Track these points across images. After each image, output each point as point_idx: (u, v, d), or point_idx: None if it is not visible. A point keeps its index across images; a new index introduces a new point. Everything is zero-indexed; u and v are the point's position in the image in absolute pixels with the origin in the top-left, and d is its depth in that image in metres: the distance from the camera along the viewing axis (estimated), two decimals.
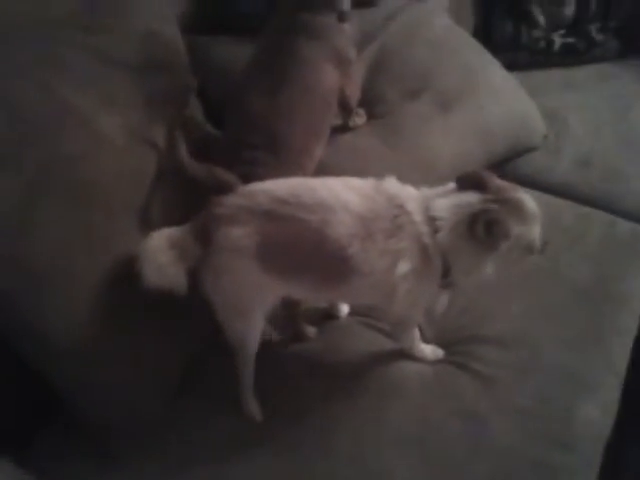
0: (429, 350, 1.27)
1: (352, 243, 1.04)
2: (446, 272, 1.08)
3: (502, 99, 1.75)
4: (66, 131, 1.12)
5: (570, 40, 2.20)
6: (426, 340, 1.31)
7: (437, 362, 1.27)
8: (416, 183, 1.42)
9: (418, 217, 1.06)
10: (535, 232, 1.09)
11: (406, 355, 1.27)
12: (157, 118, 1.25)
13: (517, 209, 1.06)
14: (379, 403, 1.21)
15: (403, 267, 1.06)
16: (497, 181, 1.09)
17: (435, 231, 1.05)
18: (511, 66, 1.94)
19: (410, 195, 1.10)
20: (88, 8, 1.28)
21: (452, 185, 1.11)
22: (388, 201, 1.08)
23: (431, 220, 1.06)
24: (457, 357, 1.28)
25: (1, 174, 1.03)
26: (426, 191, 1.11)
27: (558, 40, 2.20)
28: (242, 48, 1.45)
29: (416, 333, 1.25)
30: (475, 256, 1.07)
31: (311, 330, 1.33)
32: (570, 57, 2.20)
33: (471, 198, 1.06)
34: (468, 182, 1.08)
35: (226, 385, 1.21)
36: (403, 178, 1.47)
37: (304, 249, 1.06)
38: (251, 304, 1.13)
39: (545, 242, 1.13)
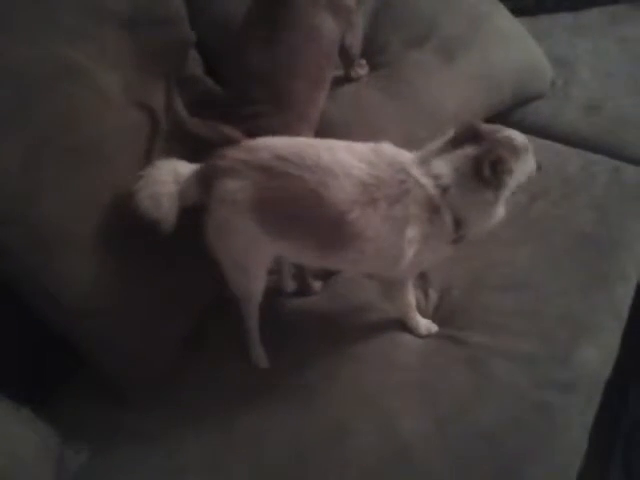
0: (423, 322, 1.27)
1: (352, 209, 1.04)
2: (458, 227, 1.09)
3: (508, 46, 1.71)
4: (65, 89, 1.12)
5: None
6: (423, 312, 1.31)
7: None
8: (420, 133, 1.42)
9: (424, 180, 1.06)
10: (530, 160, 1.14)
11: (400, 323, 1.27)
12: (155, 73, 1.25)
13: (510, 146, 1.09)
14: (382, 352, 1.24)
15: (412, 232, 1.06)
16: (484, 126, 1.10)
17: (444, 190, 1.06)
18: (518, 11, 1.89)
19: (410, 158, 1.09)
20: None
21: (439, 142, 1.11)
22: (390, 166, 1.07)
23: (437, 180, 1.06)
24: (451, 330, 1.27)
25: (4, 136, 1.04)
26: (420, 153, 1.10)
27: None
28: (240, 1, 1.42)
29: (411, 300, 1.25)
30: (486, 202, 1.08)
31: (317, 284, 1.35)
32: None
33: (467, 150, 1.07)
34: (462, 137, 1.08)
35: (235, 336, 1.25)
36: (407, 129, 1.48)
37: (301, 209, 1.06)
38: (249, 258, 1.14)
39: (539, 164, 1.17)
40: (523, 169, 1.11)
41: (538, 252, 1.39)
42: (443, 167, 1.06)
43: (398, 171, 1.07)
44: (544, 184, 1.53)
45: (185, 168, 1.12)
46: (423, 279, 1.34)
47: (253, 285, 1.18)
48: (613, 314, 1.30)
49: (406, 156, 1.10)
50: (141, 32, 1.28)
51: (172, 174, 1.10)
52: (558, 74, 1.83)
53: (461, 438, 1.09)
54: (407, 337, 1.26)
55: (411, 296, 1.24)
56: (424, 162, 1.08)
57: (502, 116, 1.68)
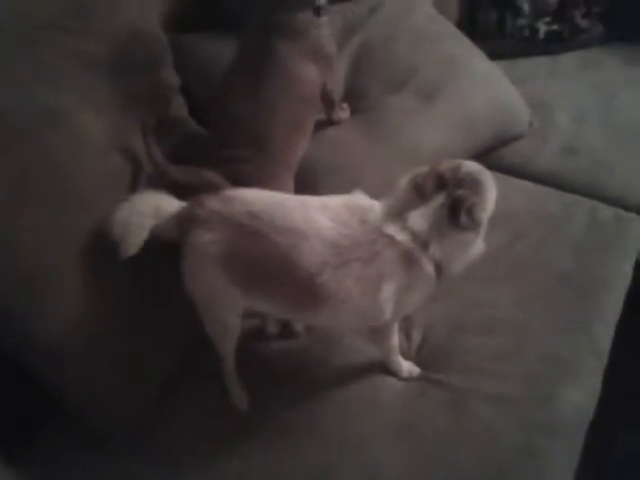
0: (405, 365, 1.26)
1: (323, 271, 1.03)
2: (439, 271, 1.09)
3: (486, 89, 1.76)
4: (48, 134, 1.13)
5: (554, 27, 2.20)
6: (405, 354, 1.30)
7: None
8: (400, 176, 1.44)
9: (400, 236, 1.06)
10: (491, 183, 1.12)
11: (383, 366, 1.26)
12: (139, 117, 1.26)
13: (474, 182, 1.08)
14: (365, 395, 1.23)
15: (388, 289, 1.06)
16: (443, 166, 1.09)
17: (423, 246, 1.06)
18: (495, 55, 1.95)
19: (382, 213, 1.08)
20: (69, 10, 1.29)
21: (404, 189, 1.10)
22: (363, 224, 1.06)
23: (415, 236, 1.05)
24: (433, 373, 1.26)
25: None
26: (390, 204, 1.09)
27: (543, 27, 2.20)
28: (226, 45, 1.46)
29: (395, 343, 1.24)
30: (467, 243, 1.09)
31: (300, 327, 1.35)
32: (555, 44, 2.20)
33: (437, 201, 1.06)
34: (427, 184, 1.07)
35: (216, 377, 1.24)
36: (387, 171, 1.50)
37: (270, 270, 1.06)
38: (220, 307, 1.14)
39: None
40: (492, 196, 1.11)
41: (519, 293, 1.39)
42: (420, 223, 1.05)
43: (370, 230, 1.06)
44: (524, 225, 1.56)
45: (169, 204, 1.13)
46: (406, 320, 1.34)
47: (225, 331, 1.18)
48: (594, 354, 1.30)
49: (378, 210, 1.09)
50: (125, 77, 1.31)
51: (153, 208, 1.11)
52: (535, 116, 1.87)
53: None
54: (390, 380, 1.25)
55: (395, 339, 1.24)
56: (397, 216, 1.07)
57: (481, 157, 1.71)
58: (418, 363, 1.28)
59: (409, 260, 1.06)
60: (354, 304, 1.07)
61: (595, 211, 1.61)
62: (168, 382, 1.25)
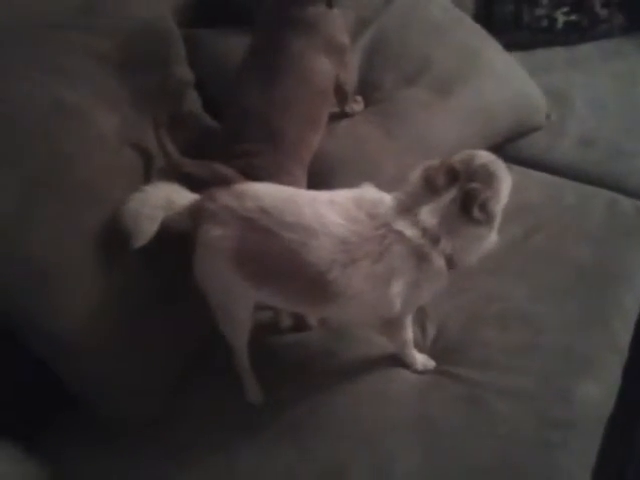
0: (420, 358, 1.25)
1: (332, 268, 1.03)
2: (451, 264, 1.08)
3: (502, 80, 1.73)
4: (63, 129, 1.13)
5: (573, 17, 2.17)
6: (420, 347, 1.28)
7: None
8: (415, 168, 1.43)
9: (410, 232, 1.04)
10: (506, 173, 1.10)
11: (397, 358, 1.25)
12: (152, 112, 1.26)
13: (487, 174, 1.06)
14: (379, 388, 1.22)
15: (398, 285, 1.06)
16: (455, 159, 1.08)
17: (434, 241, 1.05)
18: (513, 46, 1.92)
19: (391, 208, 1.07)
20: (79, 7, 1.30)
21: (416, 183, 1.08)
22: (372, 219, 1.06)
23: (426, 232, 1.04)
24: (448, 366, 1.25)
25: (0, 172, 1.05)
26: (401, 199, 1.08)
27: (561, 18, 2.17)
28: (240, 40, 1.46)
29: (409, 336, 1.23)
30: (480, 237, 1.08)
31: (312, 320, 1.34)
32: (574, 35, 2.17)
33: (449, 195, 1.05)
34: (438, 178, 1.06)
35: (230, 371, 1.24)
36: (403, 163, 1.49)
37: (280, 267, 1.06)
38: (231, 301, 1.14)
39: None
40: (506, 188, 1.10)
41: (535, 286, 1.37)
42: (430, 219, 1.04)
43: (379, 226, 1.05)
44: (541, 217, 1.54)
45: (182, 197, 1.13)
46: (421, 313, 1.33)
47: (237, 325, 1.18)
48: (613, 348, 1.28)
49: (387, 204, 1.08)
50: (138, 73, 1.31)
51: (165, 199, 1.11)
52: (553, 107, 1.85)
53: (457, 479, 1.07)
54: (404, 373, 1.24)
55: (409, 332, 1.23)
56: (407, 211, 1.06)
57: (498, 149, 1.69)
58: (433, 356, 1.27)
59: (419, 255, 1.05)
60: (364, 299, 1.07)
61: (614, 203, 1.59)
62: (181, 376, 1.25)
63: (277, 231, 1.04)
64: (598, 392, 1.20)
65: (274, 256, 1.05)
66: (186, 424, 1.20)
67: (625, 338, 1.32)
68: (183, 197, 1.13)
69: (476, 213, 1.03)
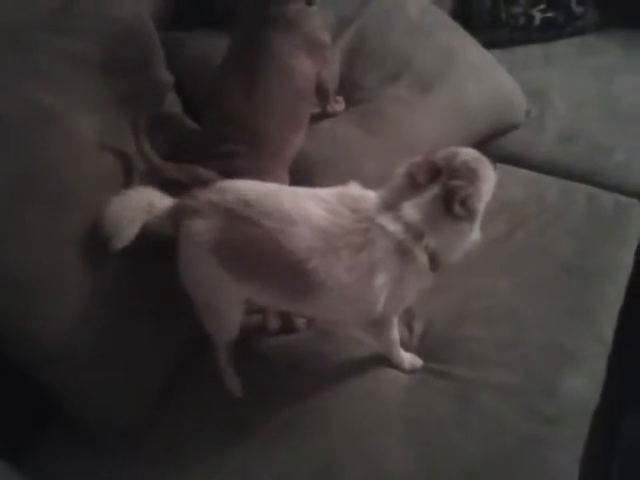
0: (408, 357, 1.25)
1: (311, 257, 1.03)
2: (434, 261, 1.08)
3: (481, 78, 1.74)
4: (43, 135, 1.12)
5: (550, 14, 2.19)
6: (407, 346, 1.29)
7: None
8: (398, 167, 1.43)
9: (392, 227, 1.05)
10: (489, 169, 1.11)
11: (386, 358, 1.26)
12: (132, 115, 1.25)
13: (469, 171, 1.07)
14: (367, 388, 1.22)
15: (381, 278, 1.05)
16: (438, 156, 1.09)
17: (417, 237, 1.05)
18: (491, 44, 1.94)
19: (374, 204, 1.07)
20: (53, 9, 1.28)
21: (398, 179, 1.09)
22: (354, 213, 1.06)
23: (409, 227, 1.05)
24: (435, 364, 1.25)
25: None
26: (384, 195, 1.08)
27: (538, 15, 2.19)
28: (219, 41, 1.44)
29: (395, 336, 1.23)
30: (463, 234, 1.08)
31: (300, 322, 1.34)
32: (550, 31, 2.19)
33: (432, 191, 1.05)
34: (420, 174, 1.06)
35: (215, 375, 1.23)
36: (385, 162, 1.49)
37: (261, 256, 1.06)
38: (214, 296, 1.14)
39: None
40: (488, 185, 1.10)
41: (519, 282, 1.38)
42: (414, 214, 1.04)
43: (362, 219, 1.05)
44: (523, 213, 1.56)
45: (161, 201, 1.14)
46: (407, 312, 1.33)
47: (223, 323, 1.18)
48: (597, 342, 1.30)
49: (371, 201, 1.08)
50: (117, 75, 1.29)
51: (146, 203, 1.12)
52: (533, 104, 1.86)
53: (448, 476, 1.07)
54: (392, 372, 1.24)
55: (395, 332, 1.23)
56: (391, 207, 1.06)
57: (479, 146, 1.70)
58: (420, 354, 1.28)
59: (402, 251, 1.05)
60: (346, 293, 1.07)
61: (595, 198, 1.61)
62: (169, 380, 1.24)
63: (257, 220, 1.05)
64: (584, 385, 1.21)
65: (255, 246, 1.06)
66: (175, 428, 1.19)
67: (609, 331, 1.33)
68: (163, 201, 1.13)
69: (457, 209, 1.04)
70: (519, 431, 1.12)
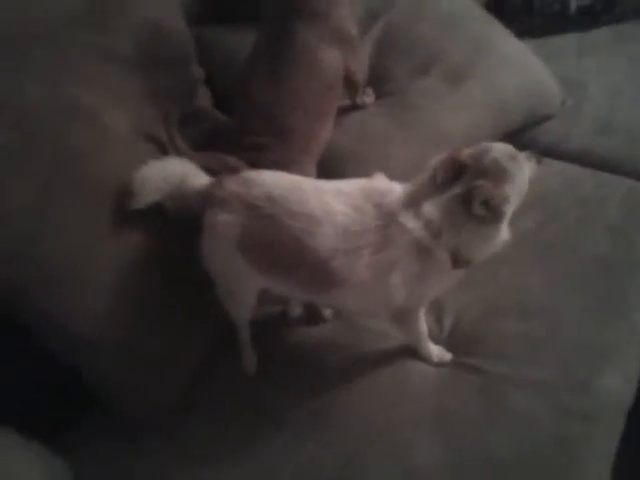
0: (436, 350, 1.24)
1: (335, 256, 1.04)
2: (457, 260, 1.06)
3: (514, 68, 1.70)
4: (74, 129, 1.14)
5: (586, 1, 2.12)
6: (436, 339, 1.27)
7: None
8: (427, 160, 1.42)
9: (411, 224, 1.03)
10: (524, 169, 1.06)
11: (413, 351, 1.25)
12: (163, 110, 1.26)
13: (498, 170, 1.03)
14: (395, 381, 1.21)
15: (397, 277, 1.05)
16: (466, 153, 1.05)
17: (435, 235, 1.03)
18: (525, 33, 1.89)
19: (398, 200, 1.06)
20: (92, 6, 1.30)
21: (426, 176, 1.06)
22: (377, 209, 1.05)
23: (428, 224, 1.03)
24: (465, 358, 1.23)
25: (13, 177, 1.06)
26: (409, 191, 1.07)
27: (574, 2, 2.12)
28: (248, 36, 1.44)
29: (423, 329, 1.22)
30: (487, 236, 1.05)
31: (327, 312, 1.34)
32: (587, 19, 2.12)
33: (454, 190, 1.02)
34: (446, 172, 1.04)
35: (241, 373, 1.25)
36: (416, 154, 1.47)
37: (284, 254, 1.07)
38: (235, 286, 1.17)
39: (538, 158, 1.10)
40: (520, 186, 1.06)
41: (553, 277, 1.35)
42: (433, 212, 1.02)
43: (383, 216, 1.05)
44: (557, 206, 1.52)
45: (194, 178, 1.15)
46: (437, 305, 1.32)
47: (241, 306, 1.22)
48: (633, 340, 1.26)
49: (395, 195, 1.07)
50: (149, 72, 1.31)
51: (179, 178, 1.14)
52: (568, 94, 1.81)
53: (477, 473, 1.06)
54: (420, 365, 1.23)
55: (422, 324, 1.22)
56: (412, 204, 1.04)
57: (512, 137, 1.67)
58: (450, 348, 1.26)
59: (421, 248, 1.04)
60: (365, 288, 1.07)
61: (633, 191, 1.56)
62: (199, 370, 1.26)
63: (282, 219, 1.05)
64: (618, 384, 1.18)
65: (278, 243, 1.06)
66: (207, 420, 1.21)
67: None
68: (197, 179, 1.15)
69: (477, 209, 1.00)
70: (551, 429, 1.10)
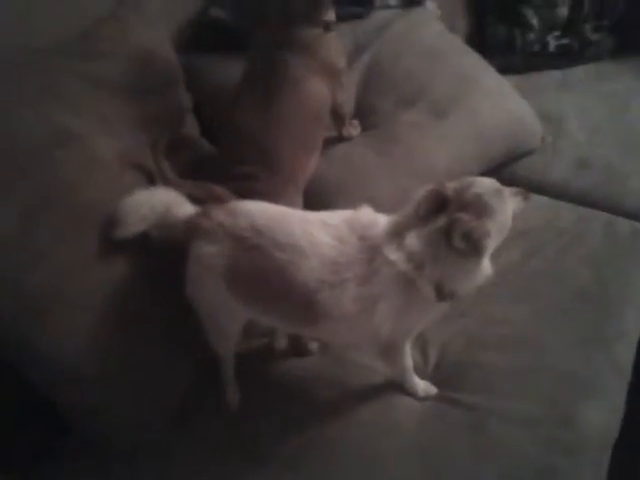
0: (421, 385, 1.23)
1: (320, 289, 1.03)
2: (441, 292, 1.05)
3: (497, 103, 1.75)
4: (63, 157, 1.14)
5: (565, 41, 2.20)
6: (421, 373, 1.27)
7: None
8: (413, 192, 1.43)
9: (395, 256, 1.03)
10: (507, 205, 1.06)
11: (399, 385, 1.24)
12: (151, 137, 1.27)
13: (480, 205, 1.02)
14: (380, 416, 1.20)
15: (383, 309, 1.05)
16: (449, 187, 1.05)
17: (419, 266, 1.03)
18: (506, 70, 1.94)
19: (383, 231, 1.06)
20: (83, 35, 1.31)
21: (410, 209, 1.06)
22: (362, 242, 1.05)
23: (411, 256, 1.03)
24: (450, 392, 1.23)
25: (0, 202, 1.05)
26: (394, 223, 1.07)
27: (553, 42, 2.20)
28: (237, 65, 1.46)
29: (408, 363, 1.21)
30: (468, 269, 1.05)
31: (313, 345, 1.33)
32: (565, 58, 2.20)
33: (437, 223, 1.02)
34: (429, 206, 1.04)
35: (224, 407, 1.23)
36: (400, 187, 1.49)
37: (269, 285, 1.06)
38: (220, 317, 1.16)
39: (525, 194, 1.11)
40: (502, 221, 1.05)
41: (535, 310, 1.37)
42: (415, 244, 1.02)
43: (368, 248, 1.05)
44: (538, 240, 1.54)
45: (180, 208, 1.14)
46: (421, 338, 1.32)
47: (225, 338, 1.21)
48: (615, 371, 1.27)
49: (380, 228, 1.07)
50: (138, 99, 1.32)
51: (165, 207, 1.13)
52: (547, 130, 1.86)
53: None
54: (405, 400, 1.23)
55: (408, 359, 1.21)
56: (396, 235, 1.04)
57: (493, 172, 1.70)
58: (435, 382, 1.26)
59: (405, 281, 1.04)
60: (350, 321, 1.06)
61: (611, 225, 1.59)
62: (183, 401, 1.24)
63: (268, 250, 1.05)
64: (602, 416, 1.19)
65: (264, 275, 1.06)
66: (187, 453, 1.18)
67: (628, 360, 1.31)
68: (183, 208, 1.14)
69: (457, 242, 1.00)
70: (536, 462, 1.10)
